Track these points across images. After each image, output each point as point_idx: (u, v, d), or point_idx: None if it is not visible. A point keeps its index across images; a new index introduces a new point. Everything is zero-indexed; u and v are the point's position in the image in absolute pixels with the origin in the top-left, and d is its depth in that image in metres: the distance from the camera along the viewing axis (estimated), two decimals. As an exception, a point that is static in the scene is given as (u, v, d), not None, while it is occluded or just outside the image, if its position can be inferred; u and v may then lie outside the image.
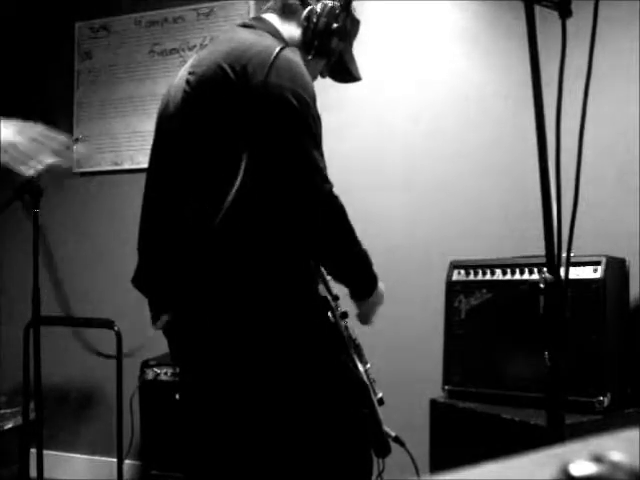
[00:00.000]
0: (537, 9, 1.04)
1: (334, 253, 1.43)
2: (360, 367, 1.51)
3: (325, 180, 1.34)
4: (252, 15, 3.06)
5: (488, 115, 2.78)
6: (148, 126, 3.18)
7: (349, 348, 1.50)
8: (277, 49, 1.35)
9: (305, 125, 1.33)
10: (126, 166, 3.28)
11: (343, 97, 2.91)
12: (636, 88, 2.53)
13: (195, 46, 3.19)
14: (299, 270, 1.41)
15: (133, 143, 3.27)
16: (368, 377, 1.55)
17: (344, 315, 1.53)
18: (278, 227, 1.35)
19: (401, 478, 2.14)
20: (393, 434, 1.60)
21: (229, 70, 1.34)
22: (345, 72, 1.69)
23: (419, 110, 2.87)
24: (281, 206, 1.34)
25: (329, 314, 1.45)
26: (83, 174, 3.37)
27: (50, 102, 3.43)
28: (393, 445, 1.57)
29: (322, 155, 1.37)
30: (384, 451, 1.53)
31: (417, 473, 1.88)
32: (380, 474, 1.69)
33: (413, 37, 2.90)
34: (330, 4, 1.55)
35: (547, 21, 1.12)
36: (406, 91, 2.89)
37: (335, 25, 1.56)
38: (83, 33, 3.40)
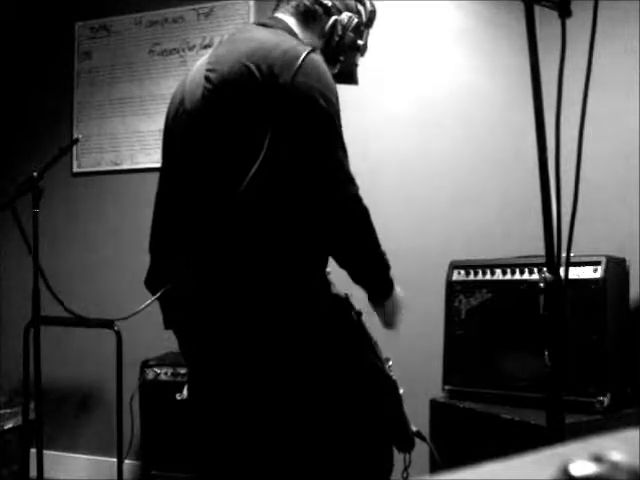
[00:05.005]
0: (537, 9, 1.03)
1: (356, 254, 1.42)
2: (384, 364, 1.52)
3: (351, 182, 1.35)
4: (252, 15, 3.06)
5: (488, 115, 2.78)
6: (148, 126, 3.18)
7: (373, 345, 1.49)
8: (306, 51, 1.35)
9: (332, 124, 1.34)
10: (126, 166, 3.28)
11: (342, 98, 2.91)
12: (636, 88, 2.53)
13: (195, 46, 3.19)
14: (318, 268, 1.41)
15: (133, 143, 3.27)
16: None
17: (359, 313, 1.52)
18: (298, 223, 1.34)
19: (417, 475, 2.14)
20: (414, 428, 1.60)
21: (254, 69, 1.33)
22: (348, 77, 1.69)
23: (419, 111, 2.87)
24: (303, 203, 1.33)
25: (352, 311, 1.45)
26: (83, 174, 3.37)
27: (50, 102, 3.43)
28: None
29: (347, 154, 1.37)
30: (408, 446, 1.54)
31: (436, 466, 1.88)
32: (406, 468, 1.68)
33: (412, 37, 2.90)
34: (356, 20, 1.56)
35: (547, 21, 1.12)
36: (406, 91, 2.89)
37: (361, 42, 1.59)
38: (83, 33, 3.40)
